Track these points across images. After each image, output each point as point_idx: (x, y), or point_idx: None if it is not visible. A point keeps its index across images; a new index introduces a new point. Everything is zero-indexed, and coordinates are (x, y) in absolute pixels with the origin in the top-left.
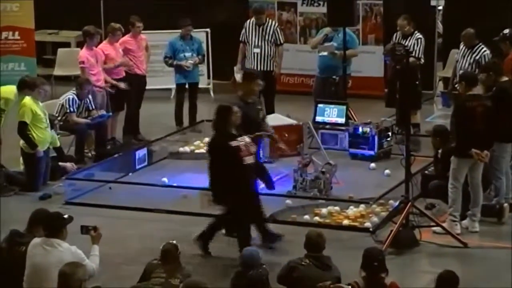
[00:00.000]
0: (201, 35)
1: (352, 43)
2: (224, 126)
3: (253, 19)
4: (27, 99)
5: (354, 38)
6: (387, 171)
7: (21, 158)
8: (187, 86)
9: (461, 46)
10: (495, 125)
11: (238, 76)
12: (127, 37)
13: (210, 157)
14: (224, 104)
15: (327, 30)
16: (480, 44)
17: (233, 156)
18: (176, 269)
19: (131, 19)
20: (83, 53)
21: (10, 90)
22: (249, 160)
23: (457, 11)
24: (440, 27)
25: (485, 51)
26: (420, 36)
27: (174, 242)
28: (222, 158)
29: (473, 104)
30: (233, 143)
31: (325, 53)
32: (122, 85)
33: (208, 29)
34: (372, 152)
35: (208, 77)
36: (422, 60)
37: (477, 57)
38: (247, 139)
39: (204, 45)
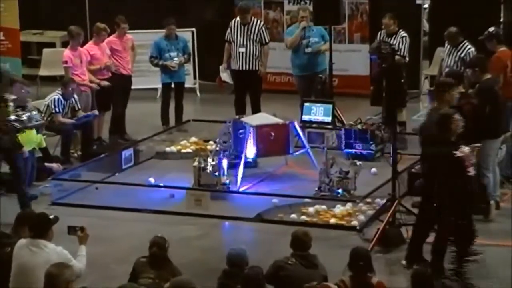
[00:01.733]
0: (187, 34)
1: (326, 37)
2: (445, 134)
3: (238, 18)
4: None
5: (326, 32)
6: (373, 170)
7: None
8: (173, 85)
9: (446, 44)
10: (482, 122)
11: (223, 76)
12: (112, 37)
13: (430, 166)
14: (446, 112)
15: (303, 24)
16: (465, 41)
17: (458, 166)
18: (165, 269)
19: (117, 19)
20: (67, 53)
21: None
22: (472, 171)
23: (443, 9)
24: (425, 25)
25: (469, 48)
26: (405, 34)
27: (160, 235)
28: (445, 168)
29: (460, 102)
30: (458, 153)
31: (309, 50)
32: (104, 83)
33: (194, 29)
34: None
35: (194, 77)
36: (407, 59)
37: (462, 55)
38: (466, 149)
39: (190, 45)
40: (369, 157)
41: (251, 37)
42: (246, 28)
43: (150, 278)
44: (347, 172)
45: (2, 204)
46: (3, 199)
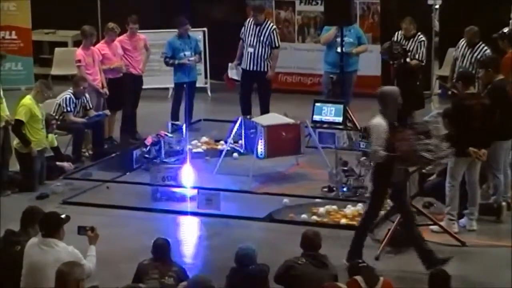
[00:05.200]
0: (198, 34)
1: (363, 39)
2: None
3: (252, 18)
4: (27, 99)
5: (363, 34)
6: None
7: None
8: (185, 85)
9: (461, 43)
10: (493, 123)
11: (231, 73)
12: (123, 37)
13: None
14: None
15: None
16: (481, 43)
17: None
18: (168, 266)
19: (128, 19)
20: (80, 52)
21: None
22: None
23: (454, 9)
24: (437, 25)
25: (486, 50)
26: (423, 38)
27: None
28: None
29: (471, 102)
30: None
31: (339, 50)
32: (102, 91)
33: (205, 28)
34: None
35: (205, 77)
36: (424, 61)
37: (478, 56)
38: None
39: (201, 44)
40: None
41: (261, 38)
42: (258, 29)
43: (155, 278)
44: (353, 170)
45: (14, 203)
46: (14, 197)
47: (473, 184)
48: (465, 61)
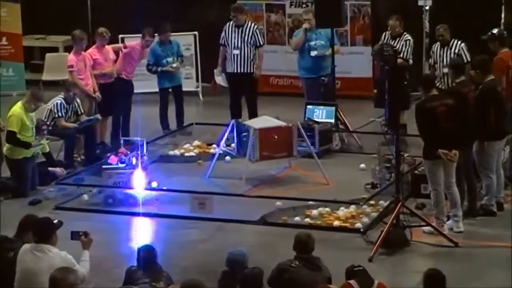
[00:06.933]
0: (189, 38)
1: (334, 40)
2: None
3: (232, 21)
4: (18, 107)
5: (334, 35)
6: (362, 165)
7: None
8: (170, 90)
9: (435, 47)
10: (463, 122)
11: (218, 79)
12: (136, 45)
13: None
14: None
15: (304, 26)
16: (454, 39)
17: None
18: (157, 271)
19: (145, 31)
20: (72, 57)
21: None
22: None
23: (444, 10)
24: (427, 26)
25: (461, 43)
26: (409, 37)
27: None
28: None
29: (432, 104)
30: None
31: (315, 54)
32: (94, 95)
33: (196, 32)
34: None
35: (197, 80)
36: (411, 61)
37: (457, 51)
38: None
39: (192, 48)
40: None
41: (245, 39)
42: (240, 30)
43: (146, 283)
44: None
45: (7, 209)
46: (7, 203)
47: (450, 186)
48: (445, 60)
